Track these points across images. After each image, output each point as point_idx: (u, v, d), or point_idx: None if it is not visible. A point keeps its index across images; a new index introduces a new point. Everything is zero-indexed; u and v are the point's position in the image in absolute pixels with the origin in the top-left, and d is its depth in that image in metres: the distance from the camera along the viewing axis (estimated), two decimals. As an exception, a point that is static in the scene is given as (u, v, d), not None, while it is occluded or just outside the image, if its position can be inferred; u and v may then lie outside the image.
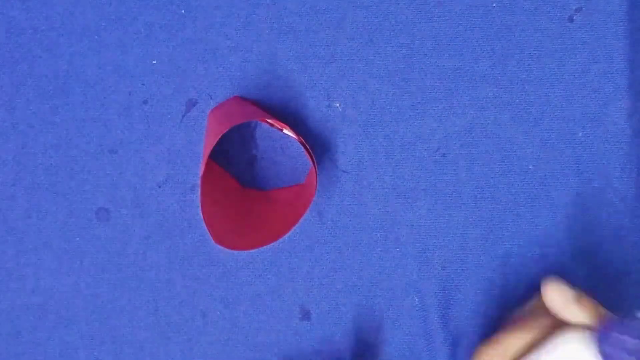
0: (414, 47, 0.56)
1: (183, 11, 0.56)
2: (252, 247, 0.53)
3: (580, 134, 0.56)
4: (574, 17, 0.56)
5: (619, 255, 0.56)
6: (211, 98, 0.57)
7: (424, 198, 0.57)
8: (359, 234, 0.57)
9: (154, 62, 0.57)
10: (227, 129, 0.49)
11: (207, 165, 0.54)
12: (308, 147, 0.51)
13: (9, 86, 0.57)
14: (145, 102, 0.57)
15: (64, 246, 0.57)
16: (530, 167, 0.56)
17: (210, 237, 0.50)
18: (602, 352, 0.40)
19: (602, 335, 0.41)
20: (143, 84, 0.57)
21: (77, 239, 0.57)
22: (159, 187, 0.57)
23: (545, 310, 0.48)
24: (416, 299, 0.57)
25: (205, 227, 0.50)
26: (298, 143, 0.51)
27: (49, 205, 0.57)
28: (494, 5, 0.56)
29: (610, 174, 0.56)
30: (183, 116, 0.57)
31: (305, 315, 0.57)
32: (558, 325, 0.45)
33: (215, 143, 0.49)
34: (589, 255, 0.57)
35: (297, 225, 0.52)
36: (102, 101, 0.57)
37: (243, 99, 0.56)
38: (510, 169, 0.56)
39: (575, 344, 0.42)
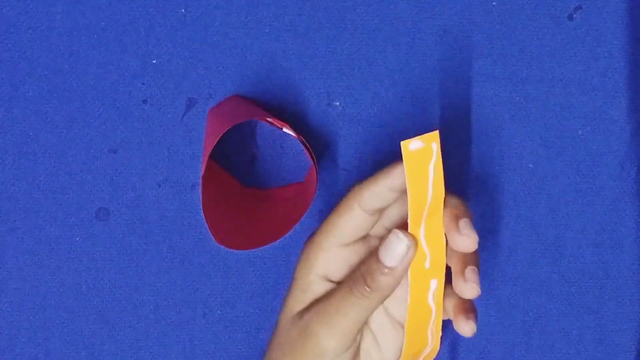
0: (414, 46, 0.56)
1: (183, 11, 0.56)
2: (254, 247, 0.53)
3: (580, 132, 0.56)
4: (574, 16, 0.56)
5: (619, 255, 0.56)
6: (211, 97, 0.57)
7: (424, 197, 0.56)
8: (359, 233, 0.57)
9: (154, 61, 0.57)
10: (227, 129, 0.49)
11: (207, 164, 0.54)
12: (308, 145, 0.51)
13: (9, 86, 0.57)
14: (145, 101, 0.57)
15: (64, 246, 0.57)
16: (530, 165, 0.56)
17: (212, 237, 0.50)
18: None
19: None
20: (143, 84, 0.57)
21: (77, 239, 0.57)
22: (159, 186, 0.57)
23: None
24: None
25: (205, 227, 0.50)
26: (298, 142, 0.51)
27: (49, 205, 0.57)
28: (494, 3, 0.56)
29: (611, 173, 0.56)
30: (183, 116, 0.57)
31: (306, 314, 0.57)
32: None
33: (215, 143, 0.49)
34: (588, 254, 0.57)
35: (297, 224, 0.52)
36: (102, 101, 0.57)
37: (243, 98, 0.57)
38: (510, 168, 0.56)
39: None
